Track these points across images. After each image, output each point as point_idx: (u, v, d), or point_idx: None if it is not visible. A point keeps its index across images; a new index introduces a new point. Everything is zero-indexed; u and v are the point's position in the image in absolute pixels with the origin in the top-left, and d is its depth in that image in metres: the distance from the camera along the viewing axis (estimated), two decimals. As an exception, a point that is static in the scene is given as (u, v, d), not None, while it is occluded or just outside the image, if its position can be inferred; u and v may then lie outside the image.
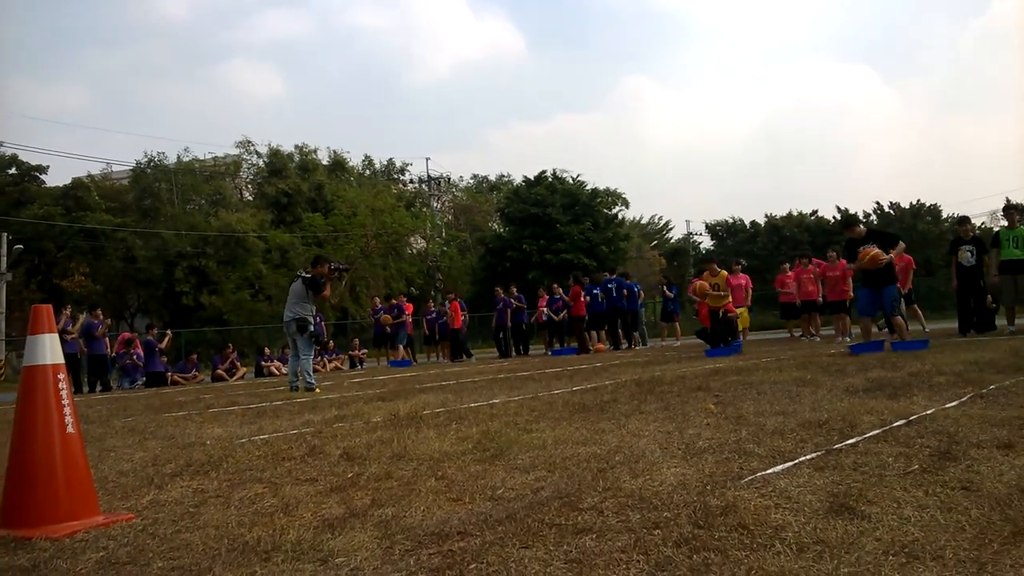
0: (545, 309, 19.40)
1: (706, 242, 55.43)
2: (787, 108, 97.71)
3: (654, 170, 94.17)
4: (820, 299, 15.33)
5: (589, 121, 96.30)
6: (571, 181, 43.16)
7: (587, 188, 43.07)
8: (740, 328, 15.66)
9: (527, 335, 20.22)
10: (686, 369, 8.43)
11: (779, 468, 2.95)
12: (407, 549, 2.32)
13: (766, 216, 49.59)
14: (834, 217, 47.90)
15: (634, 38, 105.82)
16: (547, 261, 38.94)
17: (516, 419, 5.01)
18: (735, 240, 50.09)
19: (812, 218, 48.36)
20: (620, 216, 45.64)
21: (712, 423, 4.22)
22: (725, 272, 13.34)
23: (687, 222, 60.14)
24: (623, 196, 45.20)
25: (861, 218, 47.90)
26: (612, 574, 1.97)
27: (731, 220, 51.82)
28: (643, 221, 59.22)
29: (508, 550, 2.20)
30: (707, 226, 53.47)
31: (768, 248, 45.70)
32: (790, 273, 16.43)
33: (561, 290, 19.52)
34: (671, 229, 60.43)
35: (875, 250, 9.56)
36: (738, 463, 3.12)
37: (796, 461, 3.05)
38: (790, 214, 49.03)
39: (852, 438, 3.45)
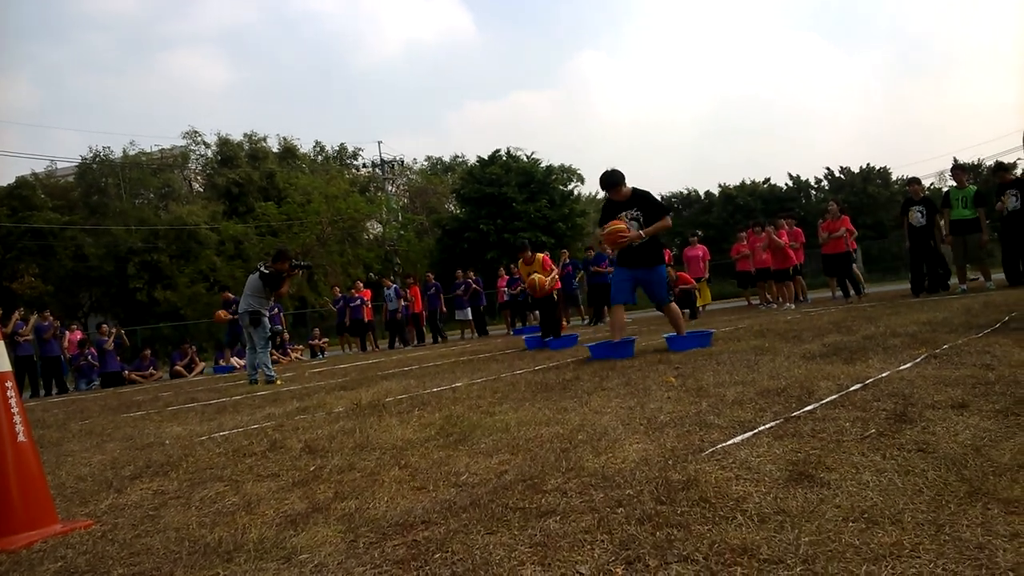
0: (506, 289, 19.43)
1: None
2: (737, 78, 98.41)
3: (609, 145, 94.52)
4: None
5: (543, 98, 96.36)
6: (525, 159, 43.06)
7: (542, 165, 43.02)
8: (700, 303, 15.83)
9: (484, 316, 20.22)
10: (646, 343, 8.48)
11: (739, 439, 2.97)
12: (371, 542, 2.30)
13: (720, 186, 50.01)
14: (786, 184, 48.52)
15: (583, 12, 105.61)
16: (505, 240, 38.89)
17: (479, 402, 5.01)
18: (691, 211, 50.46)
19: (765, 186, 48.87)
20: (576, 192, 45.69)
21: (673, 396, 4.25)
22: (540, 255, 11.24)
23: (642, 195, 60.58)
24: (578, 172, 45.27)
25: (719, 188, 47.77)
26: (577, 556, 1.97)
27: (686, 191, 52.19)
28: (599, 196, 59.43)
29: (473, 537, 2.19)
30: (662, 198, 53.82)
31: (723, 217, 46.10)
32: (745, 242, 16.58)
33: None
34: (627, 203, 60.78)
35: (620, 224, 7.32)
36: (699, 436, 3.14)
37: (756, 431, 3.08)
38: (743, 183, 49.49)
39: (810, 404, 3.49)
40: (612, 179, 7.49)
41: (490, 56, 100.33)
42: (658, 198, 7.59)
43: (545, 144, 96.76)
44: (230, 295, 18.72)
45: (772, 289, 15.54)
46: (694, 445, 2.97)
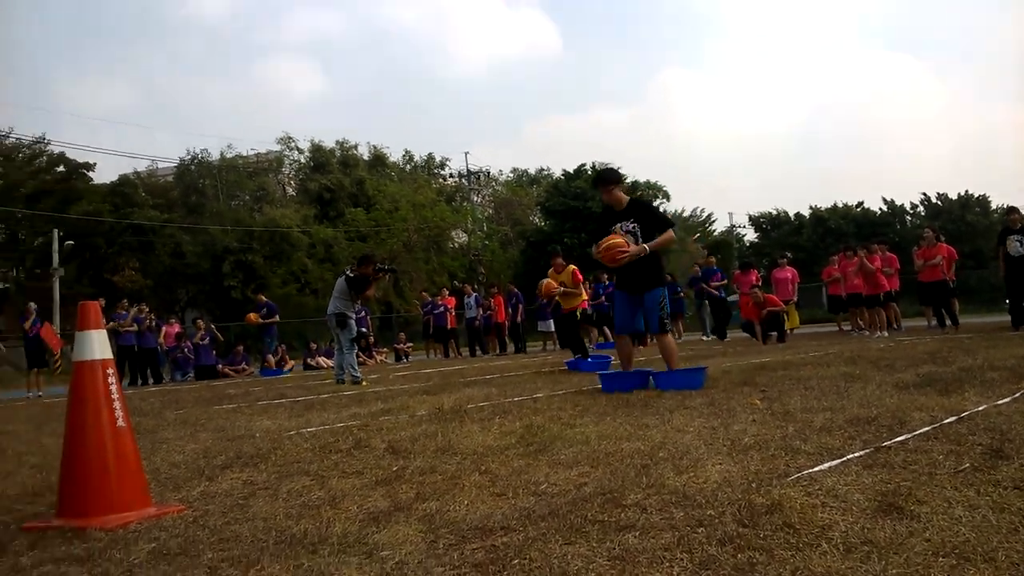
0: (587, 302, 19.39)
1: (750, 234, 54.89)
2: (831, 98, 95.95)
3: (695, 162, 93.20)
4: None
5: (628, 114, 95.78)
6: (611, 174, 42.95)
7: (627, 181, 42.83)
8: (789, 327, 15.49)
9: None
10: (731, 364, 8.36)
11: (826, 466, 2.91)
12: (451, 543, 2.34)
13: (811, 207, 48.88)
14: (880, 209, 47.06)
15: (671, 29, 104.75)
16: (589, 255, 38.79)
17: (560, 413, 5.02)
18: (779, 232, 49.45)
19: (858, 210, 47.55)
20: (661, 209, 45.32)
21: (758, 419, 4.19)
22: (572, 266, 10.65)
23: (730, 214, 59.35)
24: (664, 188, 44.95)
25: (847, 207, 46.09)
26: (655, 572, 1.96)
27: (775, 212, 51.16)
28: (684, 214, 58.74)
29: (551, 546, 2.21)
30: (751, 218, 52.88)
31: (813, 240, 45.03)
32: (836, 266, 16.16)
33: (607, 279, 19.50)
34: (714, 222, 59.89)
35: (619, 239, 6.37)
36: (784, 460, 3.09)
37: (844, 459, 3.01)
38: (835, 206, 48.27)
39: (902, 435, 3.40)
40: (605, 175, 6.77)
41: (574, 70, 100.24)
42: (658, 209, 6.95)
43: (627, 160, 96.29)
44: (263, 297, 19.05)
45: (864, 315, 15.11)
46: (779, 470, 2.93)
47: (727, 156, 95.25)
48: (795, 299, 16.57)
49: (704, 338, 17.66)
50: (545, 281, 10.39)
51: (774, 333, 14.10)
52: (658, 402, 5.26)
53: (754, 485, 2.69)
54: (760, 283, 16.36)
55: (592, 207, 40.05)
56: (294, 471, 3.69)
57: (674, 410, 4.79)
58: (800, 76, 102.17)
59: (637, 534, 2.26)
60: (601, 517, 2.45)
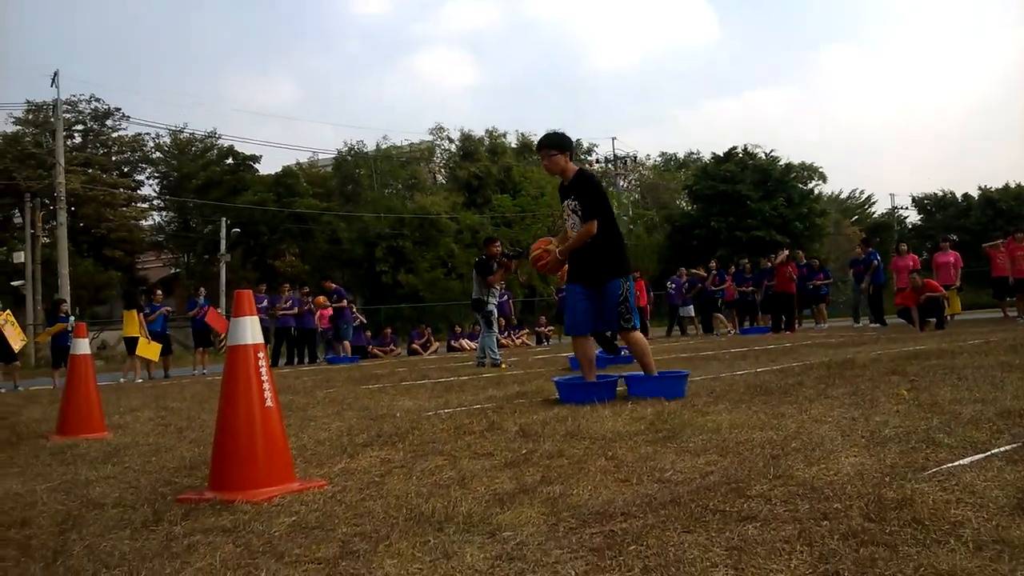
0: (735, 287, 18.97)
1: (913, 216, 51.99)
2: (1001, 71, 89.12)
3: (856, 143, 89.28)
4: None
5: (784, 95, 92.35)
6: (763, 156, 41.65)
7: (780, 163, 41.40)
8: (949, 313, 14.63)
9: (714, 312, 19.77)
10: (882, 351, 7.99)
11: (967, 460, 2.76)
12: (571, 527, 2.37)
13: (980, 188, 45.75)
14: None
15: (828, 4, 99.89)
16: (737, 238, 37.85)
17: (694, 400, 4.96)
18: (945, 214, 46.70)
19: (1032, 189, 44.18)
20: (816, 191, 43.57)
21: (902, 410, 4.00)
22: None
23: (891, 196, 56.30)
24: (819, 170, 43.18)
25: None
26: (772, 564, 1.93)
27: (941, 193, 48.24)
28: (842, 196, 56.22)
29: (669, 534, 2.21)
30: (914, 199, 50.07)
31: (983, 223, 42.15)
32: (1002, 248, 15.06)
33: (749, 266, 19.04)
34: (874, 203, 57.06)
35: (545, 244, 5.74)
36: (924, 454, 2.95)
37: (988, 453, 2.85)
38: (1007, 186, 44.96)
39: (1057, 431, 3.17)
40: (543, 138, 5.63)
41: (729, 52, 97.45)
42: (597, 190, 5.50)
43: (783, 141, 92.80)
44: (331, 283, 19.02)
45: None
46: (917, 463, 2.80)
47: (892, 137, 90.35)
48: (957, 284, 15.61)
49: (855, 325, 16.91)
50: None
51: (932, 319, 13.34)
52: (798, 390, 5.11)
53: (887, 479, 2.59)
54: (919, 267, 15.49)
55: (741, 190, 39.02)
56: (429, 451, 3.83)
57: (814, 400, 4.65)
58: (970, 49, 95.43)
59: (758, 525, 2.22)
60: (723, 507, 2.42)
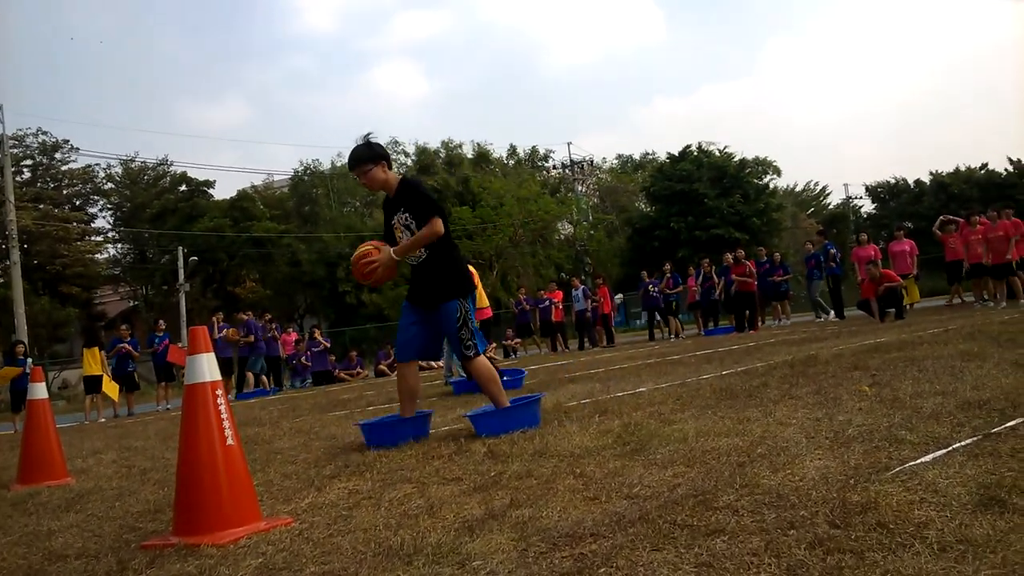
0: (696, 288, 19.11)
1: (868, 206, 52.86)
2: (945, 57, 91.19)
3: (807, 135, 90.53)
4: (987, 262, 14.20)
5: (735, 90, 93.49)
6: (718, 153, 42.11)
7: (735, 159, 41.88)
8: (908, 302, 14.87)
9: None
10: (843, 346, 8.09)
11: (930, 457, 2.80)
12: (541, 552, 2.36)
13: (931, 173, 46.65)
14: (1006, 170, 44.51)
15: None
16: (696, 238, 38.20)
17: (660, 408, 4.98)
18: (898, 201, 47.50)
19: (982, 172, 45.09)
20: (772, 186, 44.14)
21: (865, 407, 4.05)
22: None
23: (845, 186, 57.26)
24: (774, 164, 43.74)
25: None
26: (741, 579, 1.94)
27: (894, 180, 49.08)
28: (797, 189, 57.03)
29: (639, 553, 2.20)
30: (867, 188, 50.90)
31: (935, 208, 42.91)
32: (954, 233, 15.30)
33: (711, 267, 19.18)
34: (828, 195, 57.99)
35: (367, 246, 5.01)
36: (887, 452, 2.98)
37: (949, 448, 2.88)
38: (957, 170, 45.90)
39: (1014, 420, 3.22)
40: (353, 154, 4.94)
41: (679, 51, 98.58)
42: (429, 195, 4.96)
43: (738, 138, 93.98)
44: (245, 315, 18.08)
45: (989, 286, 14.34)
46: (880, 463, 2.83)
47: (842, 127, 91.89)
48: (914, 272, 15.87)
49: (817, 320, 17.12)
50: None
51: (892, 310, 13.54)
52: (763, 392, 5.16)
53: (852, 481, 2.61)
54: (880, 257, 15.71)
55: (699, 189, 39.37)
56: (397, 479, 3.79)
57: (778, 401, 4.69)
58: (914, 36, 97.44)
59: (726, 539, 2.23)
60: (691, 521, 2.43)
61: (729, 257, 18.12)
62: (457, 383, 9.00)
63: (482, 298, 9.08)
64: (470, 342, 4.91)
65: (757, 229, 38.97)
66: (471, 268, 8.52)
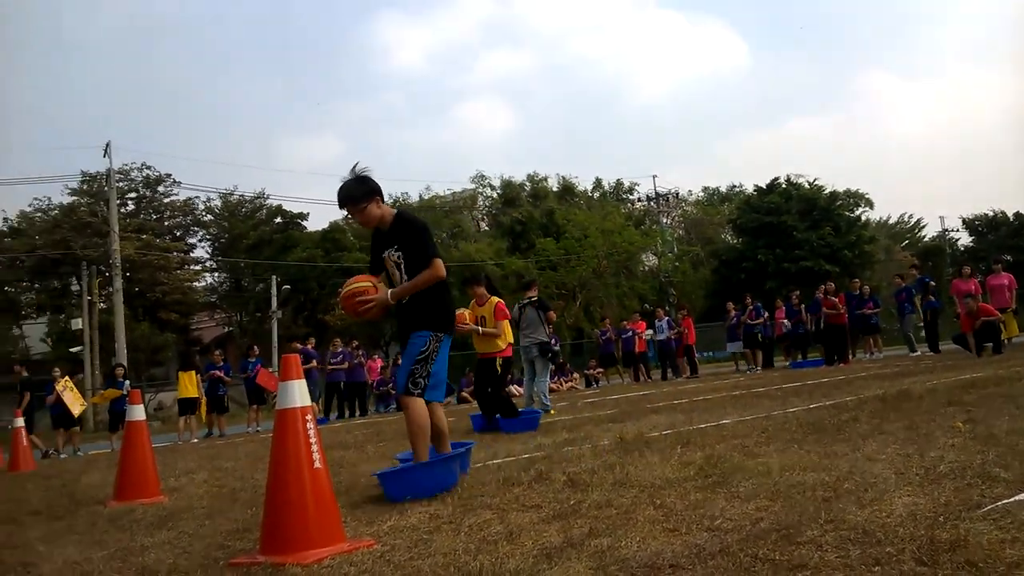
0: (785, 321, 18.71)
1: (964, 238, 50.97)
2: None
3: (901, 167, 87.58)
4: None
5: (823, 123, 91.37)
6: (807, 186, 41.28)
7: (825, 192, 40.99)
8: (1006, 336, 14.26)
9: (770, 347, 19.40)
10: (937, 381, 7.81)
11: (1024, 496, 2.69)
12: (619, 581, 2.36)
13: (1031, 207, 44.69)
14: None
15: (867, 30, 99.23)
16: (785, 270, 37.42)
17: (744, 442, 4.90)
18: (997, 235, 45.61)
19: (1092, 203, 43.01)
20: (864, 218, 43.01)
21: (958, 444, 3.92)
22: (497, 299, 8.93)
23: (941, 218, 55.23)
24: (866, 196, 42.62)
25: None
26: (822, 614, 1.90)
27: (992, 213, 47.21)
28: (891, 221, 55.37)
29: (718, 585, 2.18)
30: (964, 221, 49.08)
31: (1037, 241, 41.20)
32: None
33: (800, 301, 18.76)
34: (923, 227, 56.06)
35: (363, 282, 4.71)
36: (979, 489, 2.88)
37: (1047, 488, 2.77)
38: (1059, 202, 43.87)
39: (1121, 462, 3.07)
40: (343, 193, 4.65)
41: (763, 83, 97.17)
42: (425, 232, 4.69)
43: (828, 170, 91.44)
44: (219, 356, 17.59)
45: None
46: (971, 501, 2.73)
47: (938, 158, 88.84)
48: (1013, 306, 15.22)
49: (911, 354, 16.54)
50: (459, 311, 8.24)
51: (989, 344, 12.99)
52: (851, 427, 5.03)
53: (941, 519, 2.53)
54: (980, 291, 15.11)
55: (787, 221, 38.65)
56: (477, 504, 3.82)
57: (868, 436, 4.56)
58: (1008, 70, 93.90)
59: (808, 574, 2.19)
60: (773, 555, 2.39)
61: (821, 291, 17.73)
62: (476, 419, 8.58)
63: (508, 335, 8.82)
64: (421, 380, 4.49)
65: (849, 262, 37.95)
66: (502, 301, 8.60)
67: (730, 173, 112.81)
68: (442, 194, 45.20)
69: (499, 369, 8.64)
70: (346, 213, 4.79)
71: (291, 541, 3.07)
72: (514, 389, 19.09)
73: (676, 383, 16.47)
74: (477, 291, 8.91)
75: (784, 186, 41.39)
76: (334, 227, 43.17)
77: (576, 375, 22.16)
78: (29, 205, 41.37)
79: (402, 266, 4.62)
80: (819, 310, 17.42)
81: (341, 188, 4.63)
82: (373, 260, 4.83)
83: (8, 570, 3.54)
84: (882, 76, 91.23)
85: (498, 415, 8.37)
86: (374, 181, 4.70)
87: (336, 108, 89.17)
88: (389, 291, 4.60)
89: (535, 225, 42.82)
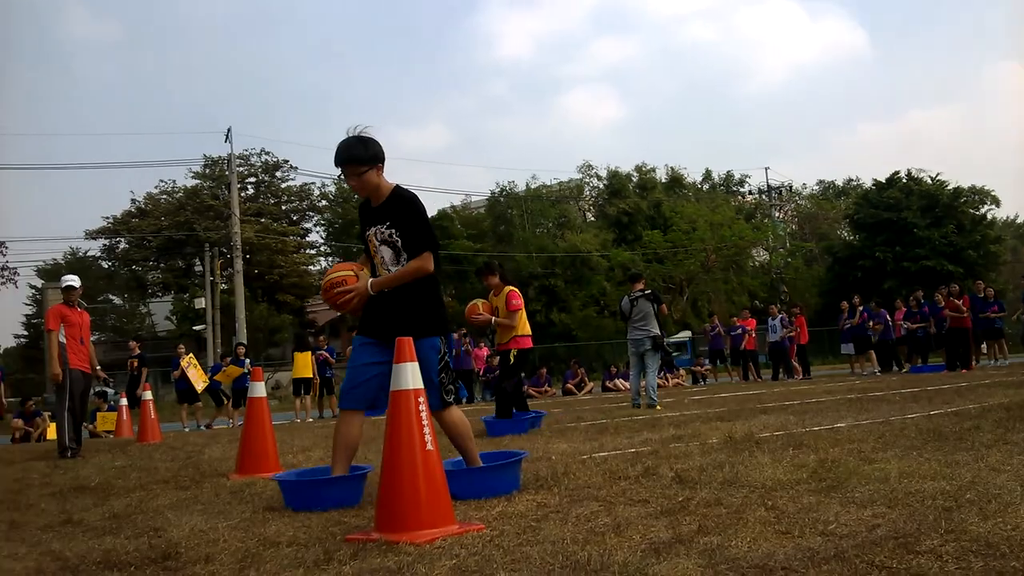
0: (903, 322, 18.00)
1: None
2: None
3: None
4: None
5: (946, 115, 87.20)
6: (929, 181, 39.47)
7: (948, 188, 39.09)
8: None
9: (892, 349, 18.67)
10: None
11: None
12: (729, 580, 2.35)
13: None
14: None
15: (995, 18, 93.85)
16: (904, 269, 35.93)
17: (860, 446, 4.77)
18: None
19: None
20: (990, 216, 40.85)
21: (1093, 459, 3.72)
22: (511, 288, 8.53)
23: (1081, 217, 52.09)
24: (992, 193, 40.44)
25: None
26: (943, 626, 1.86)
27: None
28: (1018, 220, 52.45)
29: (832, 590, 2.16)
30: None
31: None
32: None
33: (922, 300, 18.00)
34: (1058, 226, 52.92)
35: (343, 270, 4.33)
36: (1117, 509, 2.74)
37: None
38: None
39: None
40: (346, 151, 4.11)
41: (884, 73, 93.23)
42: (423, 215, 4.18)
43: (951, 165, 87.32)
44: (242, 348, 17.88)
45: None
46: (1107, 519, 2.61)
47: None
48: None
49: None
50: (473, 302, 8.60)
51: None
52: (974, 435, 4.84)
53: (1073, 537, 2.43)
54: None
55: (907, 218, 37.11)
56: (584, 496, 3.86)
57: (992, 445, 4.39)
58: None
59: (928, 584, 2.14)
60: (890, 563, 2.34)
61: (943, 292, 16.97)
62: (491, 423, 8.23)
63: (524, 325, 8.57)
64: (451, 386, 4.21)
65: (973, 262, 36.14)
66: (516, 289, 8.41)
67: (847, 166, 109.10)
68: (548, 184, 45.29)
69: (512, 359, 8.45)
70: (340, 173, 4.25)
71: (404, 520, 3.17)
72: (619, 383, 19.04)
73: (788, 384, 16.09)
74: (492, 281, 8.65)
75: (904, 181, 39.69)
76: (441, 215, 43.84)
77: (682, 372, 21.90)
78: (155, 187, 43.50)
79: (396, 246, 4.13)
80: (940, 312, 16.70)
81: (343, 144, 4.12)
82: (360, 237, 4.38)
83: (141, 533, 3.77)
84: (1010, 66, 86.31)
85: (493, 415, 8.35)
86: (379, 146, 4.20)
87: (442, 97, 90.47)
88: (370, 281, 4.14)
89: (642, 217, 42.49)
